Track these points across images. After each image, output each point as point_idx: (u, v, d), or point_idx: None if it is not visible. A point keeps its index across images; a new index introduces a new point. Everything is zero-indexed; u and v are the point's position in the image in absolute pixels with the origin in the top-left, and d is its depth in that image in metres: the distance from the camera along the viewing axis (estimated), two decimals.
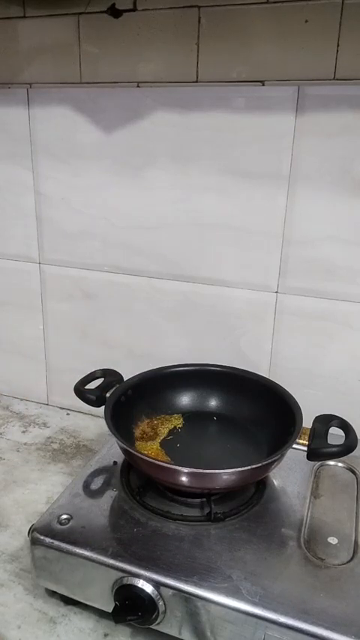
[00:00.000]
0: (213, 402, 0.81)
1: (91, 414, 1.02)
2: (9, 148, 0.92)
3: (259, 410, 0.76)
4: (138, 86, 0.82)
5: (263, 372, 0.84)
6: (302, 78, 0.73)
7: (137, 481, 0.69)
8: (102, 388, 0.74)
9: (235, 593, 0.54)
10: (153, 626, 0.57)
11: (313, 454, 0.63)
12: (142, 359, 0.94)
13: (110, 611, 0.57)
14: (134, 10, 0.78)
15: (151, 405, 0.79)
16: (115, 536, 0.60)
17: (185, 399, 0.81)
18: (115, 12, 0.78)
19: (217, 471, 0.61)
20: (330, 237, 0.78)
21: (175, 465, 0.63)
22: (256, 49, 0.74)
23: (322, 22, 0.70)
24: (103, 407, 0.71)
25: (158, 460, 0.65)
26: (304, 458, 0.64)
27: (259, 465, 0.61)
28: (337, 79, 0.71)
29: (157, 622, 0.56)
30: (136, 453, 0.63)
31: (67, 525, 0.62)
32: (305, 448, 0.64)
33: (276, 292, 0.84)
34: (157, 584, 0.55)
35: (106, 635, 0.61)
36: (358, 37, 0.69)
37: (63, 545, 0.59)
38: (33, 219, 0.95)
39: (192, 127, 0.80)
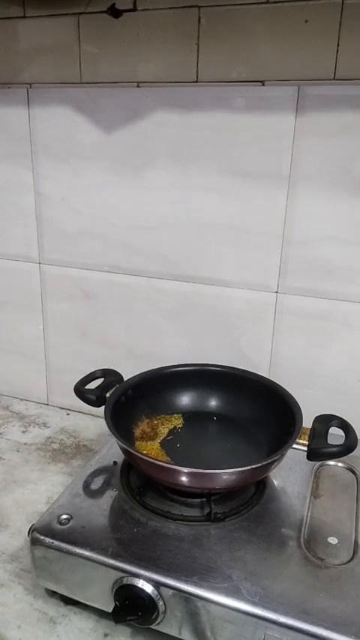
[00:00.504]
0: (213, 402, 0.81)
1: (91, 414, 1.02)
2: (9, 148, 0.92)
3: (259, 410, 0.76)
4: (138, 86, 0.82)
5: (263, 372, 0.84)
6: (302, 78, 0.73)
7: (137, 481, 0.69)
8: (102, 388, 0.74)
9: (235, 593, 0.54)
10: (153, 626, 0.57)
11: (313, 454, 0.63)
12: (142, 359, 0.94)
13: (110, 611, 0.57)
14: (134, 10, 0.78)
15: (151, 405, 0.79)
16: (115, 536, 0.60)
17: (185, 399, 0.81)
18: (115, 12, 0.78)
19: (217, 471, 0.61)
20: (330, 237, 0.78)
21: (175, 465, 0.63)
22: (256, 49, 0.74)
23: (322, 22, 0.70)
24: (103, 407, 0.71)
25: (158, 460, 0.65)
26: (304, 458, 0.64)
27: (259, 465, 0.61)
28: (337, 79, 0.71)
29: (157, 622, 0.56)
30: (136, 453, 0.63)
31: (67, 525, 0.62)
32: (305, 448, 0.64)
33: (276, 292, 0.84)
34: (157, 584, 0.55)
35: (106, 635, 0.61)
36: (358, 37, 0.69)
37: (63, 545, 0.59)
38: (33, 219, 0.95)
39: (192, 127, 0.80)
